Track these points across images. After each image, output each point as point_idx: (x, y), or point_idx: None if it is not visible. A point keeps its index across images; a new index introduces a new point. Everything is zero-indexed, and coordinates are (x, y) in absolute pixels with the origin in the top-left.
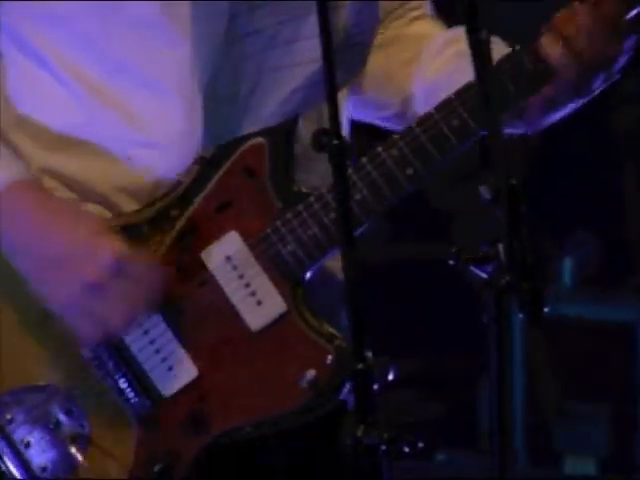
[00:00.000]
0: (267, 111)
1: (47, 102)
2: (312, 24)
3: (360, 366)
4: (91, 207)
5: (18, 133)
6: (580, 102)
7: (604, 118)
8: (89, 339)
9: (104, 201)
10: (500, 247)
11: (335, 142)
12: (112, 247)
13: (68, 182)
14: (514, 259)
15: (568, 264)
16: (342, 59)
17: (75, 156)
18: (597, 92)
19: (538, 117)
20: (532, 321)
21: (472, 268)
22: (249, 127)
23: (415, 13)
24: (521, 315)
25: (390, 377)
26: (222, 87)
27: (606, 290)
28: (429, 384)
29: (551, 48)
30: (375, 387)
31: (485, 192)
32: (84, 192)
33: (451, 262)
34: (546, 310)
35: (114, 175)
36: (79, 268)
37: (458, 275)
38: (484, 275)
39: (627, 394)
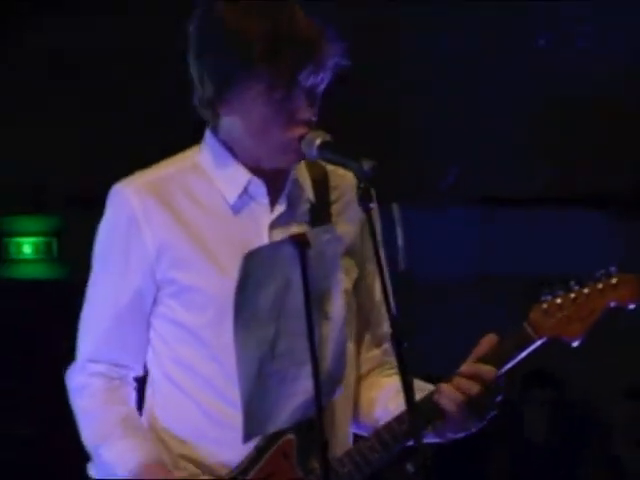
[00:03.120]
0: (285, 415)
1: (178, 415)
2: (307, 369)
3: None
4: (204, 476)
5: (162, 433)
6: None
7: None
8: None
9: (208, 472)
10: None
11: (322, 444)
12: None
13: (191, 460)
14: None
15: None
16: (325, 389)
17: (191, 448)
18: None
19: (445, 436)
20: None
21: None
22: (278, 425)
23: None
24: None
25: None
26: (257, 403)
27: None
28: None
29: (443, 402)
30: None
31: (410, 467)
32: (200, 466)
33: None
34: None
35: (215, 456)
36: None
37: None
38: None
39: None
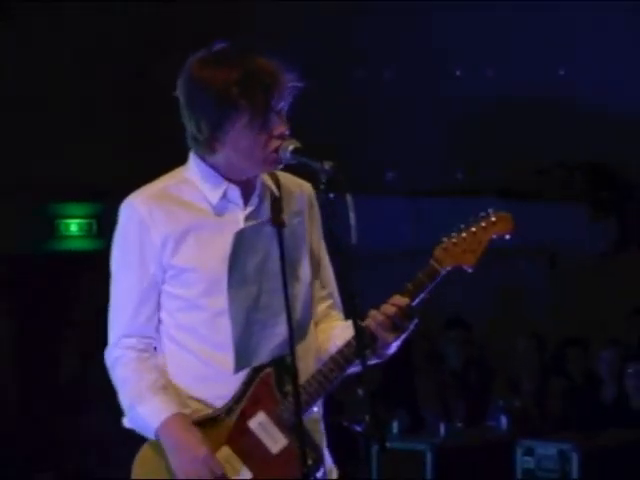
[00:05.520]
0: (265, 352)
1: (182, 367)
2: (282, 317)
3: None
4: (206, 409)
5: (173, 381)
6: (393, 348)
7: None
8: None
9: (209, 406)
10: (367, 417)
11: (294, 374)
12: (208, 458)
13: (196, 399)
14: (374, 421)
15: (395, 423)
16: (296, 333)
17: (196, 389)
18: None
19: (380, 354)
20: (381, 448)
21: (355, 426)
22: (261, 360)
23: (332, 320)
24: (376, 446)
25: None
26: (244, 343)
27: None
28: None
29: (369, 323)
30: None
31: (360, 391)
32: (202, 402)
33: (345, 423)
34: (388, 445)
35: (213, 393)
36: (192, 461)
37: (348, 429)
38: (360, 429)
39: None
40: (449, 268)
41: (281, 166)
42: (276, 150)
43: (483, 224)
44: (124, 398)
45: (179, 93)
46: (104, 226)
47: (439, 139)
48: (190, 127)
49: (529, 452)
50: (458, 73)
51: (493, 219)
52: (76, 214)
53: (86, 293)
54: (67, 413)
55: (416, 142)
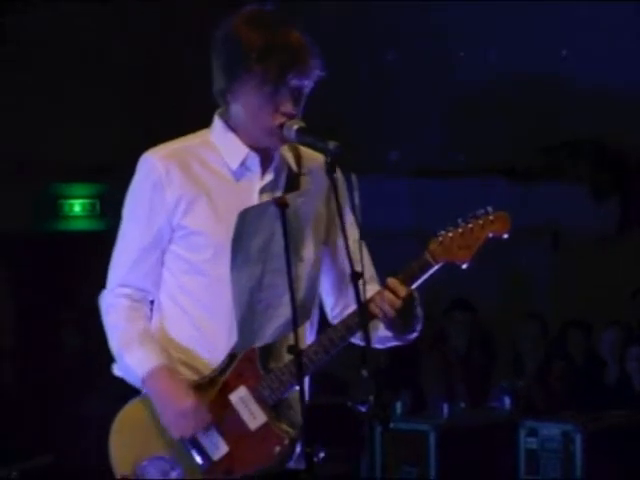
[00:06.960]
0: (269, 332)
1: (178, 329)
2: (286, 298)
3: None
4: (194, 376)
5: (166, 343)
6: (416, 332)
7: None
8: (177, 435)
9: (198, 373)
10: (371, 397)
11: (297, 353)
12: (196, 409)
13: (186, 364)
14: (378, 402)
15: (398, 404)
16: (299, 314)
17: (185, 354)
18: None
19: (402, 338)
20: (384, 429)
21: (359, 406)
22: (265, 340)
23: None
24: (380, 426)
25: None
26: (248, 323)
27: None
28: None
29: (371, 308)
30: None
31: (364, 372)
32: (192, 369)
33: (349, 404)
34: (391, 425)
35: (203, 361)
36: (180, 413)
37: (352, 410)
38: (364, 409)
39: None
40: (442, 263)
41: (285, 144)
42: (281, 126)
43: (481, 222)
44: (113, 345)
45: (214, 38)
46: (107, 206)
47: (441, 120)
48: (214, 73)
49: (532, 433)
50: (461, 54)
51: (491, 218)
52: (79, 194)
53: (89, 273)
54: (68, 394)
55: (419, 123)
